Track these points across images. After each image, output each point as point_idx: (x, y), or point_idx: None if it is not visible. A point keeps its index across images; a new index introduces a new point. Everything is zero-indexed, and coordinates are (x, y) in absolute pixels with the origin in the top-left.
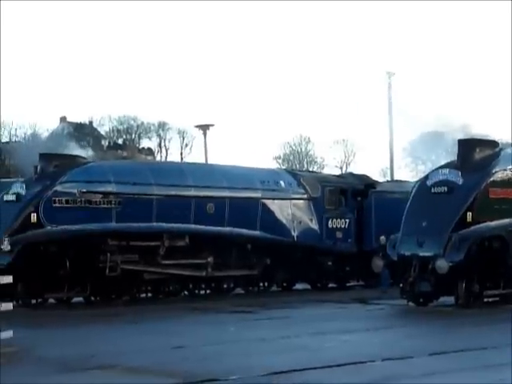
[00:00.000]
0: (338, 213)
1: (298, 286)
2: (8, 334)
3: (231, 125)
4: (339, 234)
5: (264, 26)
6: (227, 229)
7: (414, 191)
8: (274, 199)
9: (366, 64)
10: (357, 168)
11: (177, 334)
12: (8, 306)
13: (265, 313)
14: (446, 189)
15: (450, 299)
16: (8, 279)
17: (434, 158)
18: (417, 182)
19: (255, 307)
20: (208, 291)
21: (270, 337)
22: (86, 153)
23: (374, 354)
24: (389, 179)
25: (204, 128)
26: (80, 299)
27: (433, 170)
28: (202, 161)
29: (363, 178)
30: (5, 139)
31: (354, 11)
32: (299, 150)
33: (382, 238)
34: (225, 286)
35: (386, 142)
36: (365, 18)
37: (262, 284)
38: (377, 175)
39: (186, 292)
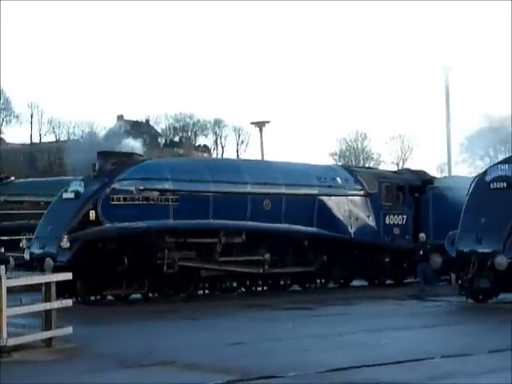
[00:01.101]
0: (395, 209)
1: (355, 283)
2: (67, 330)
3: (287, 121)
4: (396, 231)
5: (321, 21)
6: (284, 225)
7: (472, 187)
8: (330, 196)
9: (422, 58)
10: (413, 164)
11: (234, 331)
12: (67, 302)
13: (322, 309)
14: (505, 184)
15: (510, 296)
16: (67, 276)
17: (491, 153)
18: (475, 177)
19: (312, 304)
20: (265, 288)
21: (326, 333)
22: (142, 150)
23: (433, 351)
24: (446, 175)
25: (260, 125)
26: (138, 296)
27: (491, 166)
28: (258, 158)
29: (420, 174)
30: (63, 138)
31: (409, 7)
32: (355, 146)
33: (422, 235)
34: (281, 282)
35: (443, 137)
36: (421, 13)
37: (318, 281)
38: (434, 171)
39: (242, 289)
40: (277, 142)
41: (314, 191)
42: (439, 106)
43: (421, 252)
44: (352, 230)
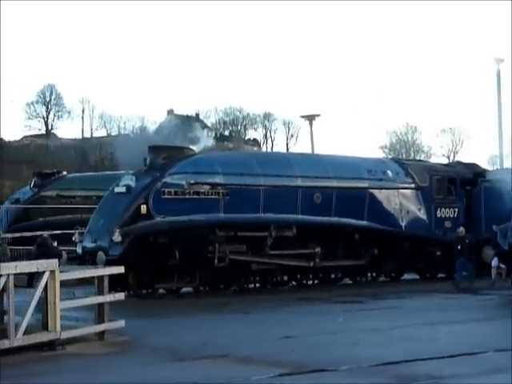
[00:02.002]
0: (447, 202)
1: (407, 277)
2: (120, 323)
3: (337, 114)
4: (448, 224)
5: (370, 14)
6: (334, 219)
7: None
8: (381, 189)
9: (474, 50)
10: (465, 157)
11: (285, 324)
12: (120, 296)
13: (373, 303)
14: None
15: None
16: (119, 270)
17: None
18: None
19: (363, 297)
20: (315, 282)
21: (378, 327)
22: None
23: (486, 345)
24: (498, 167)
25: (310, 118)
26: (189, 289)
27: None
28: (308, 151)
29: (472, 167)
30: (114, 132)
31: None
32: (406, 139)
33: (461, 229)
34: (332, 276)
35: (495, 129)
36: (473, 4)
37: (369, 274)
38: (485, 164)
39: (293, 282)
40: (327, 135)
41: (365, 184)
42: (490, 98)
43: (459, 246)
44: (403, 224)
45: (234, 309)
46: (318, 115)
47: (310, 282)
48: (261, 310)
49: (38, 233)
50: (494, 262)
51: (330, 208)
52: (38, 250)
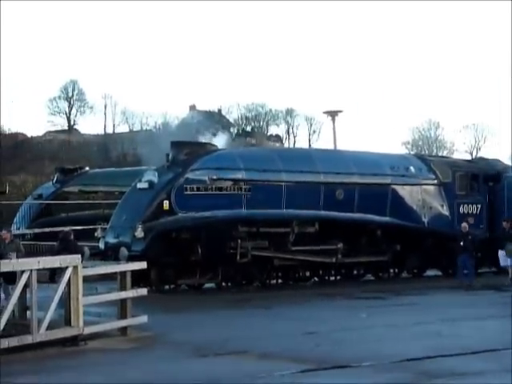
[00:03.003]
0: (470, 198)
1: (429, 273)
2: (143, 319)
3: (359, 110)
4: (471, 220)
5: (390, 11)
6: (357, 215)
7: None
8: (403, 185)
9: (498, 45)
10: (487, 153)
11: (307, 320)
12: (142, 291)
13: (396, 299)
14: None
15: None
16: (142, 265)
17: None
18: None
19: (386, 293)
20: (337, 277)
21: (401, 323)
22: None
23: (509, 341)
24: None
25: (332, 114)
26: (211, 285)
27: None
28: (330, 147)
29: (495, 163)
30: (136, 128)
31: None
32: (428, 135)
33: (464, 225)
34: (355, 272)
35: None
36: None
37: (392, 270)
38: (508, 160)
39: (315, 278)
40: (349, 131)
41: (387, 180)
42: None
43: (461, 243)
44: (425, 220)
45: (256, 304)
46: (341, 111)
47: (332, 278)
48: (283, 306)
49: (60, 228)
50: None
51: (352, 204)
52: (59, 246)
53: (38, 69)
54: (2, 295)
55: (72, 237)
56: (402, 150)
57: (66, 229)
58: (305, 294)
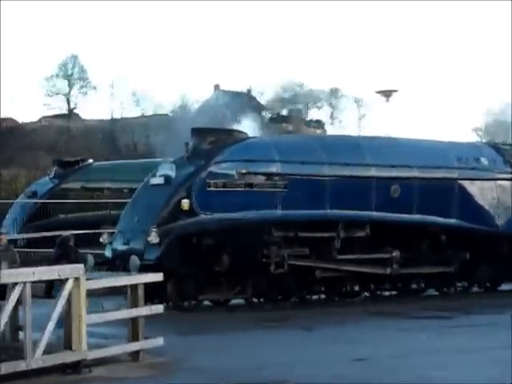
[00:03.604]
0: None
1: (505, 287)
2: (158, 341)
3: (419, 90)
4: None
5: None
6: (416, 216)
7: None
8: (473, 180)
9: None
10: None
11: (356, 343)
12: (158, 308)
13: (464, 319)
14: None
15: None
16: (157, 277)
17: None
18: None
19: (451, 312)
20: (393, 292)
21: (470, 347)
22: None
23: None
24: None
25: (386, 94)
26: (240, 301)
27: None
28: (384, 134)
29: None
30: (149, 113)
31: None
32: (505, 119)
33: None
34: (414, 285)
35: None
36: None
37: (459, 284)
38: None
39: (365, 293)
40: (406, 115)
41: (454, 174)
42: None
43: None
44: (499, 222)
45: (293, 324)
46: (396, 90)
47: (386, 293)
48: (326, 326)
49: (58, 232)
50: None
51: (410, 203)
52: (57, 253)
53: (32, 43)
54: None
55: (72, 242)
56: (472, 138)
57: (66, 233)
58: (352, 311)
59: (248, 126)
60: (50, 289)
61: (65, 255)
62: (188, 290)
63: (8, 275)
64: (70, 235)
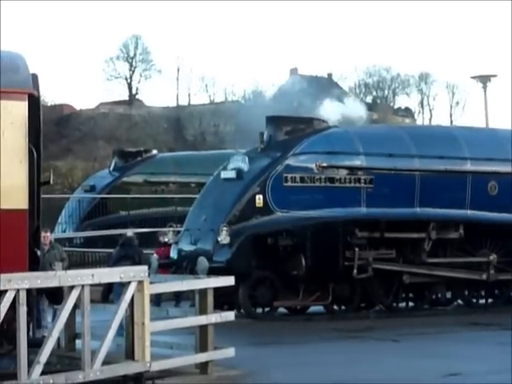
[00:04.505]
0: None
1: None
2: (229, 352)
3: None
4: None
5: None
6: None
7: None
8: None
9: None
10: None
11: (450, 358)
12: (229, 315)
13: None
14: None
15: None
16: (228, 281)
17: None
18: None
19: None
20: (489, 300)
21: None
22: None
23: None
24: None
25: (483, 80)
26: (319, 308)
27: None
28: (481, 124)
29: None
30: (219, 99)
31: None
32: None
33: None
34: None
35: None
36: None
37: None
38: None
39: (459, 301)
40: (506, 103)
41: None
42: None
43: None
44: None
45: (378, 335)
46: (495, 75)
47: (482, 301)
48: (415, 338)
49: (120, 231)
50: None
51: (510, 201)
52: (119, 253)
53: (93, 23)
54: (47, 320)
55: (137, 242)
56: None
57: (129, 232)
58: (444, 321)
59: (328, 114)
60: (107, 293)
61: (128, 257)
62: (262, 295)
63: (64, 277)
64: (134, 235)
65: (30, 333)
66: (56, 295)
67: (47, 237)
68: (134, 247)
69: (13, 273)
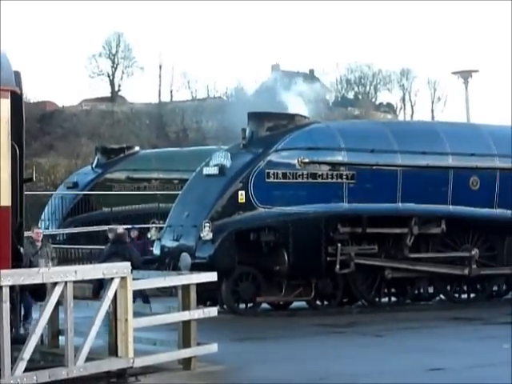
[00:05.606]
0: None
1: None
2: (212, 347)
3: (501, 71)
4: None
5: None
6: (498, 211)
7: None
8: None
9: None
10: None
11: (431, 352)
12: (212, 311)
13: None
14: None
15: None
16: (211, 277)
17: None
18: None
19: None
20: (472, 295)
21: None
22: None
23: None
24: None
25: (465, 75)
26: (302, 304)
27: None
28: (462, 119)
29: None
30: (201, 95)
31: None
32: None
33: None
34: (494, 288)
35: None
36: None
37: None
38: None
39: (441, 296)
40: (487, 98)
41: None
42: None
43: None
44: None
45: (361, 330)
46: (476, 71)
47: (464, 296)
48: (398, 333)
49: (103, 227)
50: None
51: (491, 196)
52: (110, 249)
53: (75, 22)
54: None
55: (128, 239)
56: None
57: (120, 228)
58: (426, 316)
59: (310, 110)
60: (98, 290)
61: (118, 254)
62: (245, 291)
63: (47, 274)
64: (126, 231)
65: (14, 330)
66: (39, 292)
67: (40, 233)
68: (125, 244)
69: None
